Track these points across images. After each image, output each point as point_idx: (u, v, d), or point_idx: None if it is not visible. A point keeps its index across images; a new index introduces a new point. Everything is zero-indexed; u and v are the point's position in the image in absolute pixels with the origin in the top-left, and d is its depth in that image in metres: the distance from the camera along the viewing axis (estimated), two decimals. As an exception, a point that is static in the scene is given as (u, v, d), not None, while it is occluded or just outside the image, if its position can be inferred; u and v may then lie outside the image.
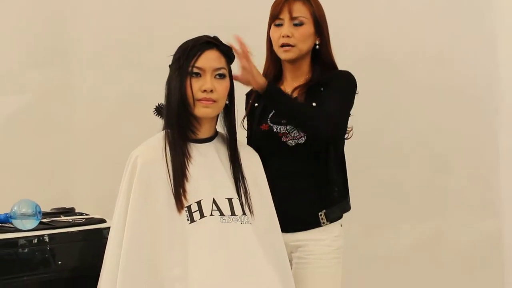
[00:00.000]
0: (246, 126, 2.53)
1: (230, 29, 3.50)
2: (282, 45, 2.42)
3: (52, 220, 2.45)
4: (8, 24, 3.46)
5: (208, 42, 2.17)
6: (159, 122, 2.26)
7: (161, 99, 2.23)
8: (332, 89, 2.39)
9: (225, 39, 2.25)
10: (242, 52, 2.26)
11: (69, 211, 2.66)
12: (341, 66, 2.53)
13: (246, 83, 2.31)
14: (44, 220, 2.42)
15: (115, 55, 3.62)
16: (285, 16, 2.43)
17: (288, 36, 2.41)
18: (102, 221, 2.48)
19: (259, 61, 2.47)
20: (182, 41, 2.24)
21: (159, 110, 2.27)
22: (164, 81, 2.22)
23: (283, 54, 2.45)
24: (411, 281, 3.64)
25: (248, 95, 2.58)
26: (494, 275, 3.63)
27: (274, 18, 2.45)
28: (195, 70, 2.15)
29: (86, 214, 2.62)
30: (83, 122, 3.57)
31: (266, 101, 2.40)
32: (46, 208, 2.65)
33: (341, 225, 2.46)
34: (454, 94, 3.71)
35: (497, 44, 3.67)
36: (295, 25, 2.42)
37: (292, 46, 2.42)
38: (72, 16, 3.55)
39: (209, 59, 2.16)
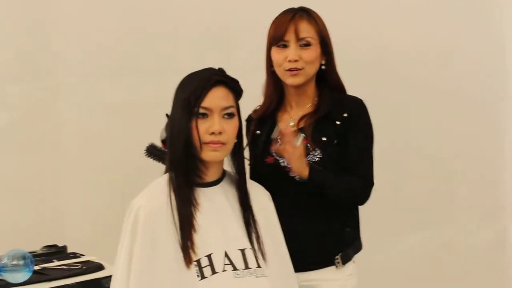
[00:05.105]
0: (248, 156, 2.31)
1: (228, 30, 3.34)
2: (289, 69, 2.21)
3: (45, 268, 2.26)
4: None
5: (215, 80, 1.96)
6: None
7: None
8: (358, 147, 2.25)
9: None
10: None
11: (62, 251, 2.48)
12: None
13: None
14: (36, 268, 2.24)
15: (102, 63, 3.36)
16: (290, 37, 2.20)
17: (296, 60, 2.20)
18: (100, 267, 2.29)
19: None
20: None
21: (150, 151, 2.08)
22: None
23: (290, 79, 2.22)
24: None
25: (248, 121, 2.37)
26: (503, 281, 3.60)
27: (277, 39, 2.22)
28: (201, 110, 1.94)
29: (81, 254, 2.45)
30: (72, 138, 3.33)
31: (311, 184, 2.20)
32: (35, 241, 2.49)
33: (353, 262, 2.30)
34: (459, 98, 3.61)
35: (505, 46, 3.57)
36: (301, 46, 2.21)
37: (300, 69, 2.20)
38: (54, 25, 3.31)
39: (217, 98, 1.95)
